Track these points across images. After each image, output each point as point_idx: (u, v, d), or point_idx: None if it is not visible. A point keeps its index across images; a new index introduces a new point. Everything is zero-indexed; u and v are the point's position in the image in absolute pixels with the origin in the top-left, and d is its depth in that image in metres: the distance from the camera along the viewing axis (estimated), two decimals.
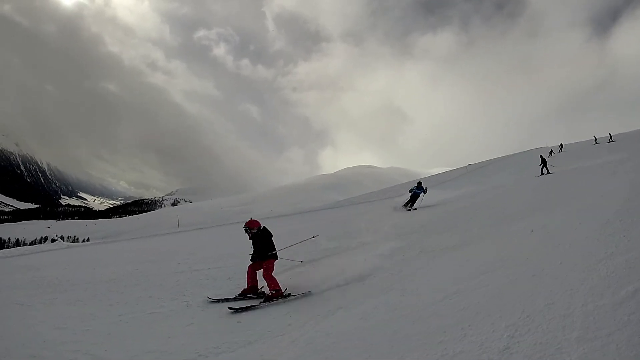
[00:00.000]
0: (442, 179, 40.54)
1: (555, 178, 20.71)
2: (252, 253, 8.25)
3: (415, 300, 5.72)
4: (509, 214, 11.61)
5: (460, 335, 4.18)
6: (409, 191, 19.40)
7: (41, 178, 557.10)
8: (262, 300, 7.32)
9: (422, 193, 18.67)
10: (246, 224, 8.23)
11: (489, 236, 9.30)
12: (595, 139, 52.79)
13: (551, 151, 44.15)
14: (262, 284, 7.86)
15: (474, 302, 4.99)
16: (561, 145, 53.30)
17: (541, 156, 29.06)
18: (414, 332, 4.58)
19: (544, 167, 27.13)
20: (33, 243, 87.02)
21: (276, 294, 7.37)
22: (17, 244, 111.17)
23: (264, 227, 8.20)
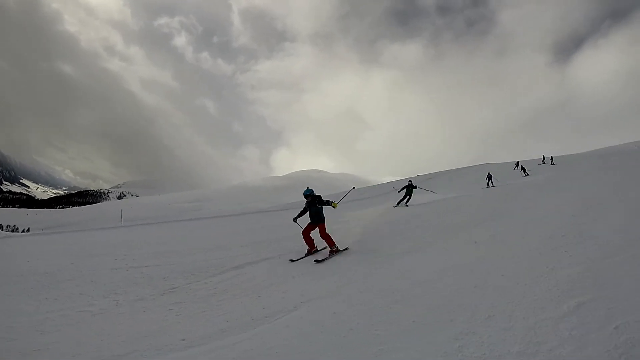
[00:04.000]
0: (388, 188, 40.99)
1: (506, 191, 21.23)
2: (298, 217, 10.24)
3: (354, 309, 5.52)
4: (456, 223, 11.64)
5: (398, 347, 4.01)
6: (399, 191, 22.24)
7: None
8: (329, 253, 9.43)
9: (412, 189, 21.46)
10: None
11: (435, 245, 9.25)
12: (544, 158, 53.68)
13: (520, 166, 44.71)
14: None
15: (415, 311, 4.85)
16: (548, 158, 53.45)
17: (489, 172, 32.19)
18: (347, 342, 4.37)
19: (490, 181, 29.73)
20: None
21: (335, 250, 9.55)
22: None
23: (318, 195, 9.99)
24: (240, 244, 12.11)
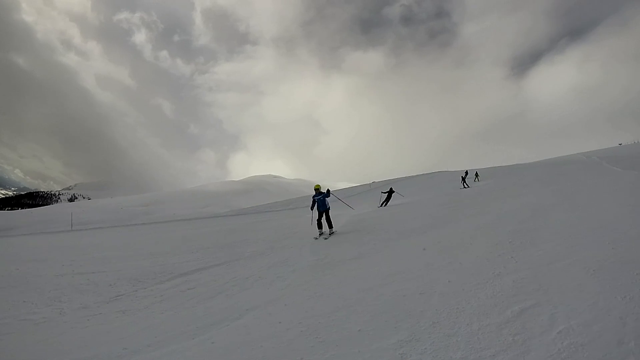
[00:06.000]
0: (344, 195, 41.05)
1: (457, 198, 21.60)
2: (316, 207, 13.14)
3: (300, 316, 5.41)
4: (406, 229, 11.70)
5: (342, 354, 3.94)
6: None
7: None
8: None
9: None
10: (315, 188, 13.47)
11: (383, 251, 9.27)
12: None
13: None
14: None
15: (360, 318, 4.80)
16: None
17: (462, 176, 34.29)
18: (292, 350, 4.26)
19: (464, 182, 31.70)
20: None
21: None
22: None
23: (327, 189, 13.29)
24: (190, 250, 11.98)
